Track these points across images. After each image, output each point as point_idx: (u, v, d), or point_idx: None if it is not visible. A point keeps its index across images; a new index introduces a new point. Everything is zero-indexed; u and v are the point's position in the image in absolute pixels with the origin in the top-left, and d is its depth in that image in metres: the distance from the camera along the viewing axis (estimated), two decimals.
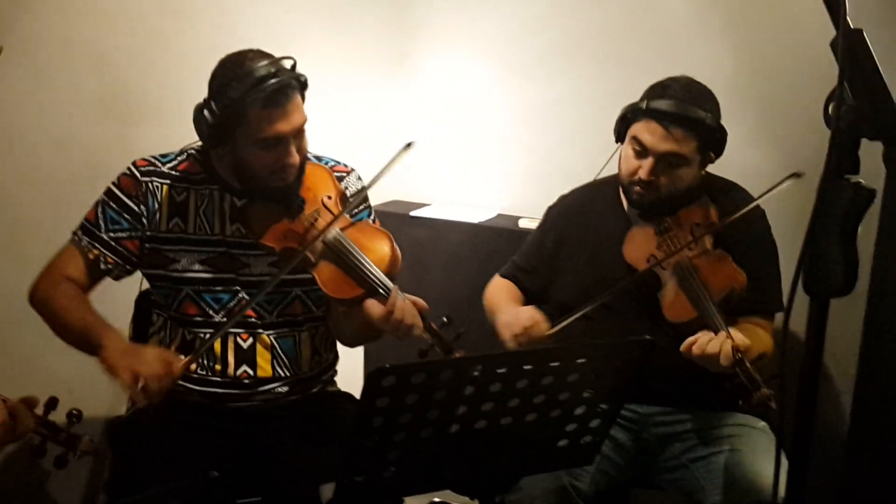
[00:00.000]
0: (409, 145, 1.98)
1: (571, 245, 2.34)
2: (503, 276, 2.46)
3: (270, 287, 1.99)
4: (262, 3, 2.90)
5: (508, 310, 2.22)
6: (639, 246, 2.21)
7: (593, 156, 2.39)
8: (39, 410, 1.59)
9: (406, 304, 1.93)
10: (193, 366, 2.04)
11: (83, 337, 1.93)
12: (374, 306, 1.95)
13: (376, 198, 2.65)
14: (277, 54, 1.97)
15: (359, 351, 2.91)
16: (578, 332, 2.11)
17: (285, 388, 2.12)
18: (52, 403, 1.56)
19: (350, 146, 2.49)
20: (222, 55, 2.23)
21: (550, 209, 2.46)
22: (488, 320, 2.30)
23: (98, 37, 2.55)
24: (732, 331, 1.91)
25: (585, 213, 2.37)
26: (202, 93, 2.25)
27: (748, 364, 1.84)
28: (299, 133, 1.99)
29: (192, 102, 2.65)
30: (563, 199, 2.46)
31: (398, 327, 1.92)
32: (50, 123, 2.51)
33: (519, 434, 1.60)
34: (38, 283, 2.06)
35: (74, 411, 1.60)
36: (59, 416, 1.70)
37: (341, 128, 2.97)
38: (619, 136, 2.24)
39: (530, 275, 2.41)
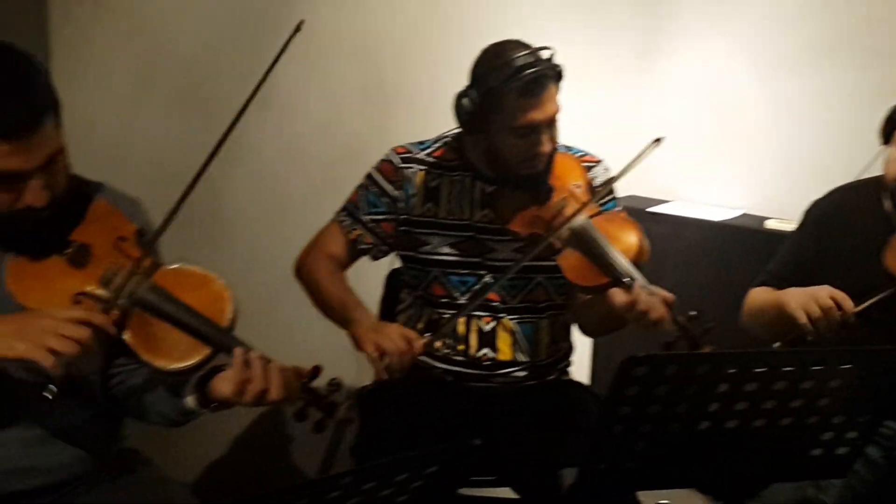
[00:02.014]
0: (657, 141, 1.96)
1: (831, 252, 2.21)
2: (758, 287, 2.32)
3: (514, 271, 2.02)
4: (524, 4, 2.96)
5: (795, 290, 2.07)
6: None
7: (851, 156, 2.26)
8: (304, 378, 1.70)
9: (652, 297, 1.91)
10: (439, 343, 2.13)
11: (339, 311, 2.08)
12: (617, 295, 1.94)
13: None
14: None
15: (587, 342, 2.92)
16: (834, 339, 2.00)
17: (523, 373, 2.16)
18: (316, 372, 1.63)
19: (594, 138, 2.49)
20: (476, 47, 2.30)
21: (808, 212, 2.32)
22: (750, 327, 2.21)
23: (362, 28, 2.70)
24: None
25: (845, 217, 2.23)
26: (455, 83, 2.33)
27: None
28: (552, 122, 2.02)
29: (445, 93, 2.75)
30: (820, 201, 2.33)
31: (642, 318, 1.89)
32: (315, 109, 2.69)
33: (771, 438, 1.54)
34: (302, 257, 2.22)
35: (334, 380, 1.65)
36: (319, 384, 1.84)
37: (586, 120, 2.98)
38: (887, 137, 2.10)
39: (789, 284, 2.23)
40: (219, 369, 1.60)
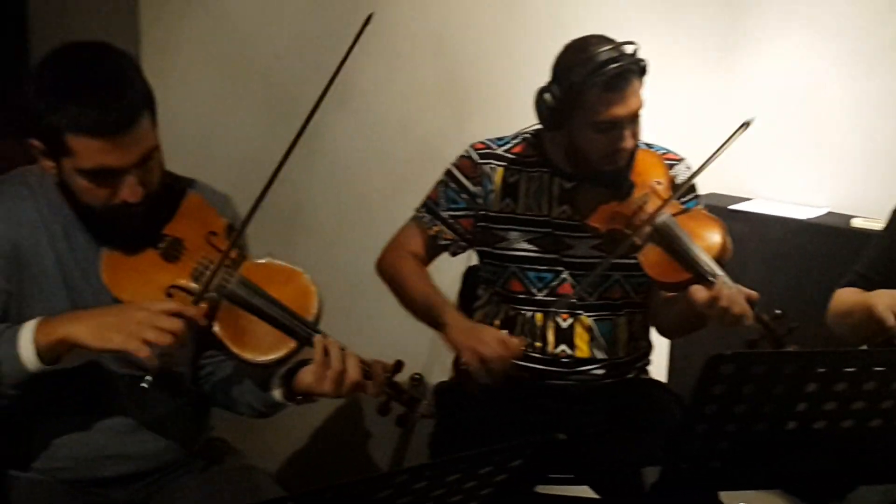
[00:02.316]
0: (746, 124, 1.93)
1: None
2: (844, 287, 2.25)
3: (603, 268, 2.01)
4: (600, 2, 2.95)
5: (883, 292, 2.01)
6: None
7: None
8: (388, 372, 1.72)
9: (733, 292, 1.88)
10: (516, 341, 2.13)
11: (426, 311, 2.09)
12: (698, 291, 1.91)
13: None
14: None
15: (664, 341, 2.89)
16: None
17: (601, 371, 2.15)
18: (399, 366, 1.65)
19: (675, 135, 2.46)
20: (554, 43, 2.29)
21: None
22: (836, 328, 2.15)
23: (439, 28, 2.72)
24: None
25: None
26: (533, 80, 2.33)
27: None
28: (635, 118, 2.01)
29: (522, 90, 2.74)
30: None
31: (724, 313, 1.86)
32: (393, 107, 2.71)
33: (860, 439, 1.51)
34: (384, 255, 2.24)
35: (417, 375, 1.67)
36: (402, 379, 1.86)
37: (667, 116, 2.95)
38: None
39: (878, 285, 2.16)
40: (304, 363, 1.64)
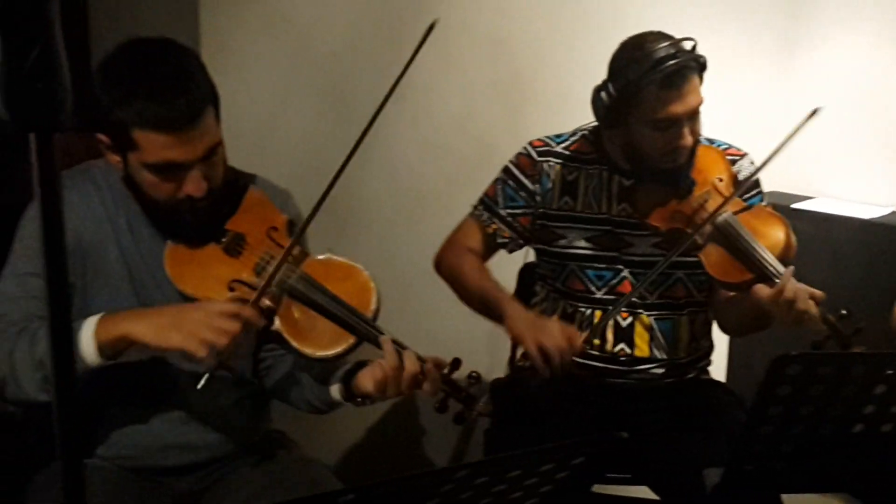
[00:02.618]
0: (814, 112, 1.89)
1: None
2: None
3: (662, 268, 1.99)
4: None
5: None
6: None
7: None
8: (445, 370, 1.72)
9: (798, 288, 1.84)
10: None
11: (487, 305, 2.07)
12: (762, 289, 1.88)
13: None
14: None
15: (723, 341, 2.85)
16: None
17: (661, 370, 2.12)
18: (456, 364, 1.65)
19: (735, 131, 2.43)
20: (613, 41, 2.26)
21: None
22: None
23: (497, 25, 2.71)
24: None
25: None
26: (590, 78, 2.30)
27: None
28: (694, 115, 1.98)
29: (579, 87, 2.71)
30: None
31: (789, 311, 1.83)
32: (450, 104, 2.71)
33: None
34: (442, 253, 2.23)
35: (474, 373, 1.67)
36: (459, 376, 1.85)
37: (727, 112, 2.91)
38: None
39: None
40: (363, 364, 1.64)
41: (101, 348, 1.51)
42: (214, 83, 1.60)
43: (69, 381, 0.82)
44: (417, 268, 2.71)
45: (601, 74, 2.11)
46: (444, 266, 2.21)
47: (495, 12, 2.71)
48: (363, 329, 1.60)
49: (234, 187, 1.69)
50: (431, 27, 1.57)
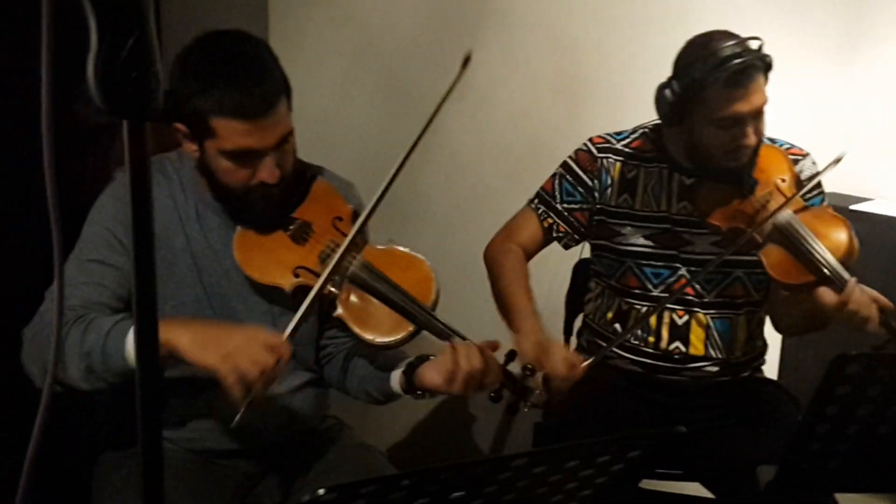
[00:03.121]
0: (839, 159, 1.90)
1: None
2: None
3: (713, 266, 1.99)
4: None
5: None
6: None
7: None
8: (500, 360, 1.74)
9: (863, 296, 1.84)
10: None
11: (508, 309, 2.06)
12: (826, 294, 1.88)
13: None
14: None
15: (776, 340, 2.83)
16: None
17: (715, 369, 2.12)
18: (512, 356, 1.68)
19: (797, 130, 2.41)
20: (674, 39, 2.25)
21: None
22: None
23: (556, 21, 2.72)
24: None
25: None
26: (651, 75, 2.29)
27: None
28: (758, 114, 1.97)
29: (639, 85, 2.71)
30: None
31: (851, 318, 1.83)
32: (509, 100, 2.73)
33: None
34: (493, 241, 2.24)
35: (529, 366, 1.69)
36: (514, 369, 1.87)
37: (788, 111, 2.89)
38: None
39: None
40: (426, 358, 1.67)
41: None
42: (286, 75, 1.64)
43: (153, 370, 0.86)
44: (473, 261, 2.72)
45: (661, 73, 2.10)
46: (490, 255, 2.21)
47: (557, 10, 2.72)
48: (423, 318, 1.63)
49: (301, 177, 1.74)
50: (467, 60, 1.57)
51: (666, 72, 2.22)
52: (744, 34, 1.97)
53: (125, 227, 1.62)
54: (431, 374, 1.63)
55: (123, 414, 1.80)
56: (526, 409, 1.70)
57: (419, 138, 1.63)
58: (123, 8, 0.77)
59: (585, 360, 1.90)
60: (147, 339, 0.84)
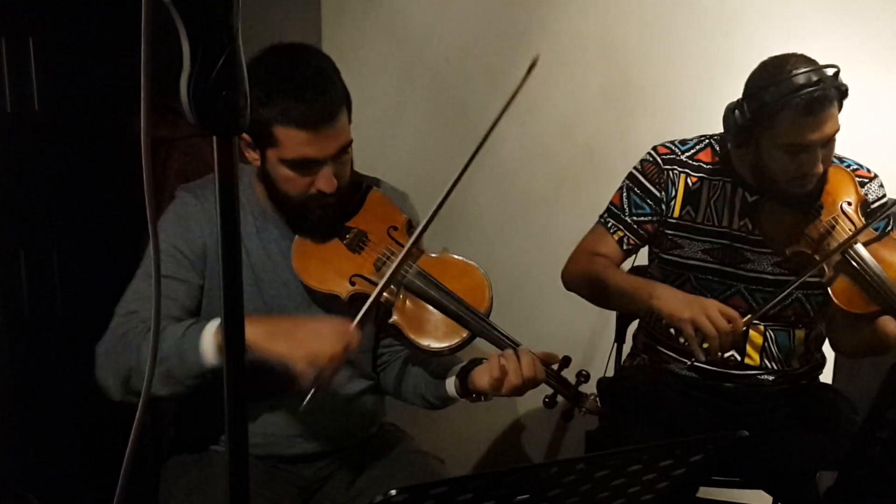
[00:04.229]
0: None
1: None
2: None
3: (780, 298, 1.97)
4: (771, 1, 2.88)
5: None
6: None
7: None
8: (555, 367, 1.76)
9: None
10: (682, 338, 2.13)
11: (626, 295, 2.04)
12: (889, 323, 1.86)
13: None
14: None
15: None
16: None
17: (771, 378, 2.12)
18: (566, 362, 1.70)
19: (864, 148, 2.36)
20: (725, 50, 2.25)
21: None
22: None
23: (608, 30, 2.73)
24: None
25: None
26: (702, 86, 2.30)
27: None
28: (829, 142, 1.93)
29: (689, 95, 2.72)
30: None
31: None
32: (557, 109, 2.74)
33: None
34: (569, 264, 2.21)
35: (584, 372, 1.70)
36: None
37: (855, 127, 2.84)
38: None
39: None
40: (479, 361, 1.70)
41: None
42: (347, 87, 1.68)
43: (240, 375, 0.89)
44: (523, 268, 2.76)
45: (712, 82, 2.11)
46: (575, 274, 2.18)
47: (606, 17, 2.72)
48: (477, 324, 1.66)
49: (357, 188, 1.78)
50: (533, 65, 1.57)
51: (713, 79, 2.23)
52: (798, 43, 1.96)
53: (188, 242, 1.69)
54: (482, 379, 1.66)
55: (190, 419, 1.85)
56: (581, 415, 1.72)
57: (480, 145, 1.66)
58: (215, 30, 0.81)
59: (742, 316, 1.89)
60: (233, 340, 0.88)
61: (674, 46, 2.76)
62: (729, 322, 1.87)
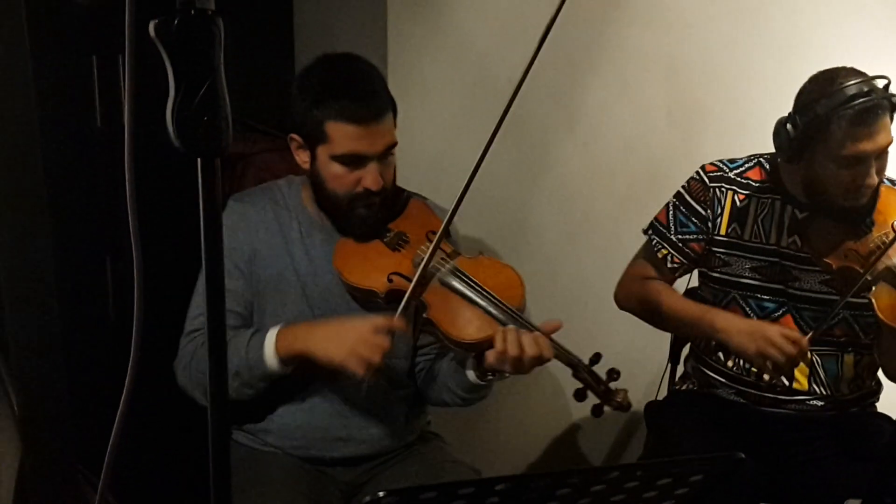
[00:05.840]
0: None
1: None
2: None
3: (836, 311, 1.96)
4: (840, 18, 2.83)
5: None
6: None
7: None
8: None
9: None
10: (730, 363, 2.12)
11: (690, 322, 2.08)
12: None
13: None
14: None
15: None
16: None
17: (820, 403, 2.09)
18: (597, 358, 1.73)
19: None
20: (793, 68, 2.21)
21: None
22: None
23: (672, 48, 2.73)
24: None
25: None
26: (767, 106, 2.25)
27: None
28: (882, 154, 1.93)
29: (753, 115, 2.69)
30: None
31: None
32: (620, 128, 2.75)
33: None
34: (620, 288, 2.26)
35: (614, 369, 1.74)
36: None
37: None
38: None
39: None
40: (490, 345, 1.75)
41: (283, 360, 1.73)
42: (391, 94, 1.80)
43: (222, 386, 0.97)
44: (583, 288, 2.77)
45: (779, 103, 2.07)
46: (629, 297, 2.21)
47: (671, 36, 2.72)
48: (509, 319, 1.71)
49: (400, 194, 1.90)
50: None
51: (783, 100, 2.18)
52: (869, 62, 1.94)
53: (236, 251, 1.82)
54: (489, 355, 1.71)
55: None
56: (611, 411, 1.74)
57: (512, 98, 1.73)
58: (197, 61, 0.89)
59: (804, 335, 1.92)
60: (216, 359, 0.96)
61: (738, 66, 2.74)
62: (793, 343, 1.89)
